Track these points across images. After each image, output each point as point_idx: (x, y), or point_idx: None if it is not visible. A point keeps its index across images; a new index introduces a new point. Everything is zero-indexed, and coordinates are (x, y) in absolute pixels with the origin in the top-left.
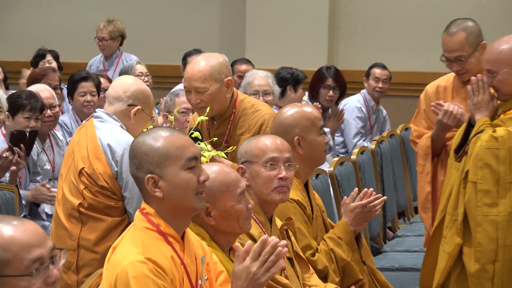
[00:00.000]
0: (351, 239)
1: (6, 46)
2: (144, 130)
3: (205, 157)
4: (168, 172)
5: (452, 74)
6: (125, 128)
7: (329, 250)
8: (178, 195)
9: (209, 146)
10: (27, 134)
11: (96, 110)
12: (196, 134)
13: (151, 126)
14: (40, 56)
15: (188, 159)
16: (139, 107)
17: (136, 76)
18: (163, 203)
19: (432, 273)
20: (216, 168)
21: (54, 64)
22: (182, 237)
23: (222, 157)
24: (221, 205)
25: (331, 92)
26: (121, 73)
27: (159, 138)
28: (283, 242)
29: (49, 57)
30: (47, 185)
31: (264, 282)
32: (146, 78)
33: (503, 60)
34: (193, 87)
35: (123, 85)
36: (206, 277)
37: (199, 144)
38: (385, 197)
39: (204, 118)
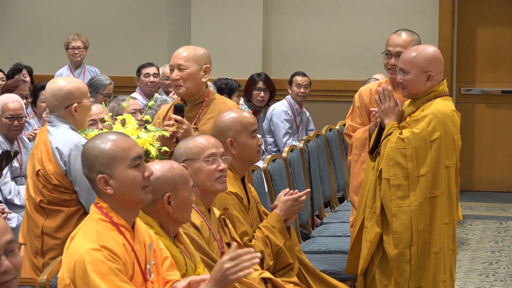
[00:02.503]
0: (282, 228)
1: None
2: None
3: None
4: (116, 172)
5: (383, 81)
6: (74, 126)
7: (264, 236)
8: (127, 190)
9: (154, 127)
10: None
11: (49, 116)
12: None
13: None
14: (17, 70)
15: (133, 159)
16: (75, 104)
17: (103, 95)
18: (114, 198)
19: (357, 260)
20: (174, 164)
21: (28, 78)
22: (133, 227)
23: (166, 136)
24: (180, 195)
25: (262, 93)
26: (90, 85)
27: (107, 142)
28: (258, 254)
29: (24, 71)
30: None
31: (232, 281)
32: (108, 99)
33: (416, 64)
34: (176, 64)
35: (52, 94)
36: (153, 262)
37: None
38: (309, 189)
39: (151, 103)
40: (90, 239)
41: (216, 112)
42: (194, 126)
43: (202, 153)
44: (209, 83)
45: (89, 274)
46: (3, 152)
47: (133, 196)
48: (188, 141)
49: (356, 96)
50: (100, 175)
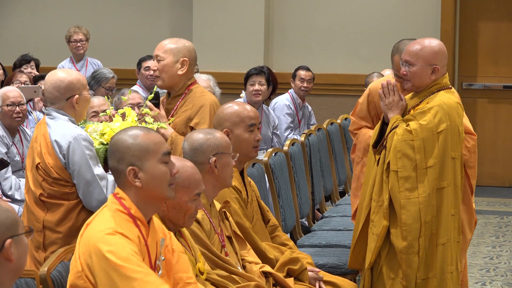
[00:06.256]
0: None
1: None
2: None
3: None
4: (147, 165)
5: (390, 77)
6: (73, 118)
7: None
8: (155, 185)
9: (152, 119)
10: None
11: (47, 108)
12: (146, 110)
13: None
14: (25, 60)
15: (164, 154)
16: (76, 96)
17: (105, 88)
18: (141, 192)
19: (361, 255)
20: (188, 164)
21: (34, 71)
22: (148, 222)
23: (163, 127)
24: (177, 197)
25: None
26: (93, 77)
27: (138, 135)
28: None
29: (32, 63)
30: None
31: None
32: (110, 93)
33: (422, 56)
34: (155, 55)
35: (53, 85)
36: (163, 258)
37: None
38: None
39: (150, 96)
40: (106, 225)
41: (191, 106)
42: (171, 118)
43: (229, 148)
44: (207, 76)
45: (111, 259)
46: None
47: (159, 191)
48: (215, 134)
49: (366, 92)
50: (130, 167)
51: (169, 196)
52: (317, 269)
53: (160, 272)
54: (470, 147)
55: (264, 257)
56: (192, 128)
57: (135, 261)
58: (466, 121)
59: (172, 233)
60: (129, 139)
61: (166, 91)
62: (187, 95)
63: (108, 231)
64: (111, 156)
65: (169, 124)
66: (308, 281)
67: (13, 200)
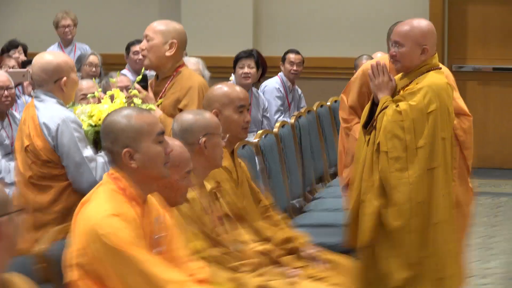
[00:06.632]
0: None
1: None
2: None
3: None
4: (142, 146)
5: (385, 57)
6: (62, 100)
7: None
8: (150, 165)
9: (140, 101)
10: None
11: (35, 91)
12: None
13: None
14: (12, 45)
15: (158, 134)
16: (64, 78)
17: (87, 65)
18: (136, 172)
19: (356, 234)
20: (176, 143)
21: (22, 56)
22: (144, 203)
23: (152, 109)
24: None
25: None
26: (78, 60)
27: (132, 116)
28: None
29: (19, 48)
30: None
31: None
32: (94, 69)
33: (411, 37)
34: (145, 34)
35: (41, 68)
36: (163, 234)
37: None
38: None
39: (138, 78)
40: (105, 207)
41: (179, 88)
42: (159, 99)
43: (219, 128)
44: (196, 60)
45: (113, 243)
46: None
47: (155, 171)
48: (204, 115)
49: (359, 72)
50: (125, 149)
51: (165, 174)
52: (315, 247)
53: (162, 248)
54: (466, 128)
55: (260, 235)
56: (180, 110)
57: (139, 246)
58: (461, 102)
59: (165, 210)
60: (122, 120)
61: (155, 73)
62: (175, 77)
63: (107, 213)
64: (105, 138)
65: (158, 106)
66: (306, 259)
67: (4, 184)
